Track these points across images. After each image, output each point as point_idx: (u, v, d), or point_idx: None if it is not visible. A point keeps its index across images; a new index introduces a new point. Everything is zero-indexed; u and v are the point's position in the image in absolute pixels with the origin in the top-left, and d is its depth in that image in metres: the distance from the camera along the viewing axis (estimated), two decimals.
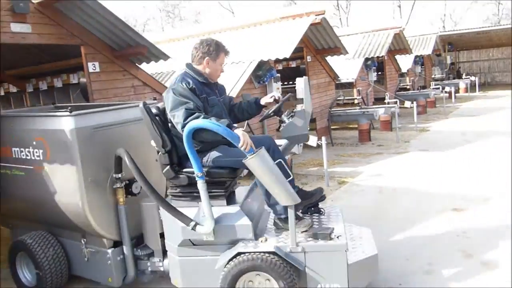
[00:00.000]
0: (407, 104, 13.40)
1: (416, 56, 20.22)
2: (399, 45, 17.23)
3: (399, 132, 11.61)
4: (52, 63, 8.22)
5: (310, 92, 3.90)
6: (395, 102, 13.21)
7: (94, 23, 6.23)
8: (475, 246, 4.62)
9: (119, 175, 3.95)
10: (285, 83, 13.74)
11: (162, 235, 3.94)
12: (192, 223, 3.47)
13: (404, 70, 18.95)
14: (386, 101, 14.19)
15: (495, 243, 4.62)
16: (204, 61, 3.71)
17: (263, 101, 3.94)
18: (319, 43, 11.74)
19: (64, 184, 3.93)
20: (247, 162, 3.23)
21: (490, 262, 4.23)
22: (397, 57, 18.15)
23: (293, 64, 13.44)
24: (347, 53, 12.60)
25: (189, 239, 3.61)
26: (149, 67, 7.78)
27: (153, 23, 47.23)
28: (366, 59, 15.13)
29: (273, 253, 3.40)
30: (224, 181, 3.63)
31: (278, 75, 10.04)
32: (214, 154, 3.61)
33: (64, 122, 3.80)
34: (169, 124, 3.64)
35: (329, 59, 12.67)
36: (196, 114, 3.36)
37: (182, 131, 3.32)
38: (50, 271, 4.16)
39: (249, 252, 3.41)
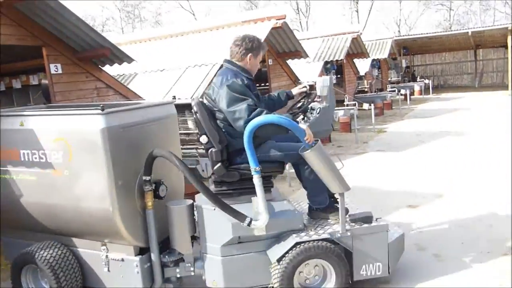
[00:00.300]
0: (365, 106, 13.81)
1: (373, 60, 20.89)
2: (357, 49, 17.76)
3: (358, 133, 11.96)
4: (11, 64, 8.05)
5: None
6: (354, 104, 13.59)
7: (56, 24, 6.17)
8: (428, 240, 4.90)
9: (149, 177, 3.62)
10: None
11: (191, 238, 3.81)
12: (248, 219, 3.47)
13: (362, 73, 19.55)
14: (345, 103, 14.57)
15: (446, 237, 4.94)
16: (247, 57, 3.77)
17: (294, 91, 4.10)
18: (280, 47, 11.98)
19: (90, 189, 3.55)
20: (307, 154, 3.43)
21: (440, 254, 4.53)
22: (355, 60, 18.71)
23: None
24: (307, 56, 12.92)
25: (238, 236, 3.62)
26: (112, 69, 7.76)
27: (112, 23, 46.37)
28: (326, 63, 15.53)
29: (328, 239, 3.60)
30: (270, 175, 3.75)
31: None
32: (263, 149, 3.65)
33: (94, 121, 3.42)
34: (217, 121, 3.68)
35: (290, 62, 12.93)
36: (258, 110, 3.45)
37: (244, 127, 3.40)
38: (66, 284, 3.73)
39: (307, 241, 3.55)
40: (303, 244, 3.55)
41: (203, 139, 3.63)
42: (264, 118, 3.35)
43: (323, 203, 3.91)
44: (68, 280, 3.74)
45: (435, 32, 27.08)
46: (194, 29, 11.80)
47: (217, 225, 3.66)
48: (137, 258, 3.72)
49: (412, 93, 22.20)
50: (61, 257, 3.77)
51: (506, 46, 22.19)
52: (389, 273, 3.84)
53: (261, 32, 10.04)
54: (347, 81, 17.52)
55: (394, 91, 19.93)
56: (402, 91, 20.14)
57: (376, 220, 3.83)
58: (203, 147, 3.81)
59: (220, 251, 3.66)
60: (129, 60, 7.35)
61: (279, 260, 3.55)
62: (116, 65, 7.37)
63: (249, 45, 3.77)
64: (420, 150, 9.93)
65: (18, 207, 3.89)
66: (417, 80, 25.99)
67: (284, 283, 3.54)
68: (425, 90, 24.00)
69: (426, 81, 25.19)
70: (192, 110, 3.79)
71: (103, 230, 3.69)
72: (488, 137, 10.58)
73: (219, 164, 3.60)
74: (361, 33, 17.73)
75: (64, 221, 3.78)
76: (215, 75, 3.94)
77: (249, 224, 3.48)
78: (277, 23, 10.35)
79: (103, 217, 3.57)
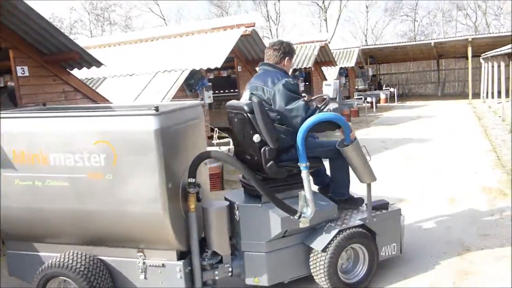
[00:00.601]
0: None
1: (341, 68, 21.33)
2: (324, 57, 18.15)
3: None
4: None
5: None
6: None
7: (24, 27, 6.14)
8: None
9: (194, 179, 3.58)
10: (217, 92, 14.01)
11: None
12: (298, 213, 3.66)
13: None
14: None
15: (406, 240, 5.15)
16: (285, 60, 4.06)
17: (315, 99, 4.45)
18: (249, 54, 12.16)
19: (139, 192, 3.38)
20: (348, 149, 3.86)
21: (400, 256, 4.71)
22: (323, 68, 19.09)
23: (224, 74, 13.75)
24: None
25: (285, 230, 3.80)
26: (80, 73, 7.72)
27: (81, 26, 45.52)
28: (294, 70, 15.79)
29: (361, 225, 4.00)
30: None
31: (210, 84, 10.30)
32: (307, 146, 3.76)
33: (148, 122, 3.29)
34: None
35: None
36: (312, 108, 3.77)
37: (301, 124, 3.65)
38: None
39: (347, 229, 3.90)
40: (344, 231, 3.88)
41: (256, 138, 3.68)
42: (322, 115, 3.71)
43: (345, 194, 4.29)
44: None
45: (400, 42, 27.89)
46: (164, 34, 11.85)
47: (263, 221, 3.80)
48: (180, 262, 3.62)
49: (378, 101, 22.75)
50: (94, 267, 3.59)
51: (467, 57, 23.08)
52: (401, 252, 4.37)
53: (231, 39, 10.20)
54: (315, 89, 17.84)
55: (361, 98, 20.40)
56: (369, 99, 20.62)
57: (391, 206, 4.38)
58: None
59: (265, 246, 3.80)
60: (98, 64, 7.35)
61: (324, 249, 3.80)
62: (84, 69, 7.34)
63: (287, 49, 4.07)
64: (384, 156, 10.20)
65: (41, 216, 3.62)
66: (383, 89, 26.66)
67: (331, 270, 3.82)
68: (391, 98, 24.63)
69: (392, 89, 25.86)
70: (234, 111, 3.94)
71: (148, 235, 3.55)
72: (449, 144, 11.01)
73: (271, 162, 3.74)
74: (329, 42, 18.13)
75: (98, 228, 3.58)
76: (254, 77, 4.19)
77: (299, 218, 3.66)
78: (246, 30, 10.51)
79: (152, 221, 3.44)
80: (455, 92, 29.01)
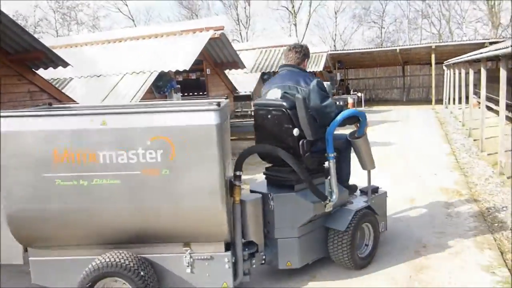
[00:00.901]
0: None
1: (309, 72, 21.62)
2: None
3: None
4: None
5: None
6: None
7: None
8: None
9: (241, 172, 3.78)
10: (185, 94, 14.03)
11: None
12: (329, 198, 4.20)
13: None
14: None
15: None
16: (305, 62, 4.53)
17: None
18: (218, 57, 12.25)
19: (198, 187, 3.43)
20: (360, 140, 4.45)
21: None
22: None
23: (193, 76, 13.79)
24: (245, 67, 13.29)
25: (315, 215, 4.23)
26: (46, 73, 7.64)
27: (46, 24, 44.42)
28: (263, 74, 15.97)
29: (368, 207, 4.60)
30: (325, 160, 4.35)
31: (178, 86, 10.34)
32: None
33: (209, 117, 3.36)
34: None
35: (228, 72, 13.23)
36: (339, 105, 4.39)
37: (333, 119, 4.18)
38: None
39: (359, 210, 4.45)
40: (359, 212, 4.42)
41: (296, 131, 4.04)
42: (351, 111, 4.38)
43: (347, 182, 4.78)
44: None
45: (367, 48, 28.50)
46: (132, 35, 11.81)
47: (296, 208, 4.14)
48: (228, 253, 3.72)
49: (346, 105, 23.16)
50: (143, 265, 3.57)
51: (430, 64, 23.81)
52: (386, 229, 5.06)
53: (200, 42, 10.27)
54: None
55: None
56: (337, 103, 20.93)
57: (379, 189, 5.05)
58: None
59: (297, 231, 4.16)
60: (64, 64, 7.30)
61: (346, 229, 4.27)
62: (50, 69, 7.28)
63: (306, 51, 4.54)
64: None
65: (85, 217, 3.51)
66: (351, 93, 27.15)
67: (352, 248, 4.30)
68: (358, 102, 25.11)
69: (359, 94, 26.35)
70: (269, 108, 4.28)
71: (203, 228, 3.60)
72: (412, 147, 11.37)
73: (308, 153, 4.13)
74: None
75: (149, 224, 3.56)
76: (277, 77, 4.62)
77: (328, 203, 4.18)
78: (215, 33, 10.61)
79: (210, 214, 3.51)
80: (420, 98, 29.81)
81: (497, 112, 10.63)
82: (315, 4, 43.45)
